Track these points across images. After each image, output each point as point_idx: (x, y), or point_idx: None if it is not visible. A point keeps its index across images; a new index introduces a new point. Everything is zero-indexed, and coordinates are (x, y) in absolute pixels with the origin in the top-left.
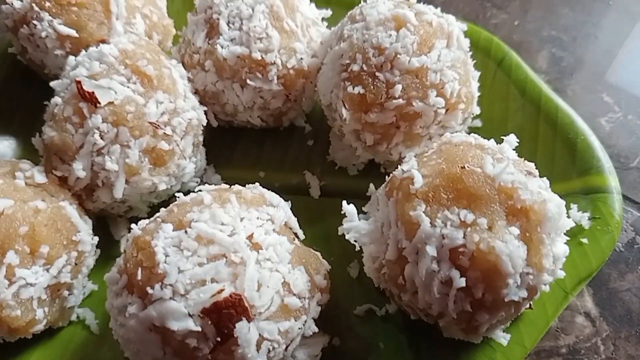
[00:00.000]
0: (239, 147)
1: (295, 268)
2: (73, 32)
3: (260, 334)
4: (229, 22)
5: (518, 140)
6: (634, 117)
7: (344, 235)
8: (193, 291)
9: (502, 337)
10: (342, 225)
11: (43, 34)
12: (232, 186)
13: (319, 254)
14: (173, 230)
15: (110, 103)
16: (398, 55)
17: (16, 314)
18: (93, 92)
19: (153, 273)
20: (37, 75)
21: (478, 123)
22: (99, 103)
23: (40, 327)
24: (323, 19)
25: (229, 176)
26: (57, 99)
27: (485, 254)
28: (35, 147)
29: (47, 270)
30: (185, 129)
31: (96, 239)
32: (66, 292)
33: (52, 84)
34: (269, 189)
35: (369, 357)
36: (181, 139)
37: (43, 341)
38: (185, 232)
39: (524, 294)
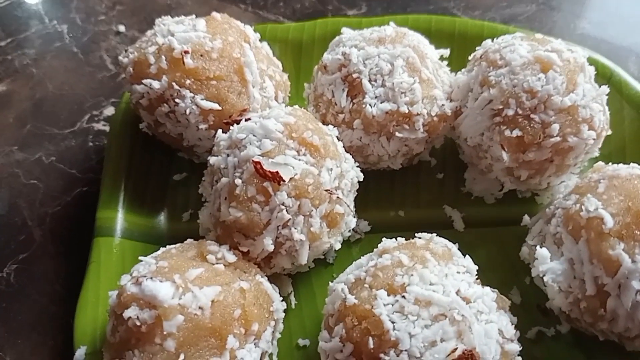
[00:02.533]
0: (370, 188)
1: (501, 314)
2: (216, 106)
3: None
4: (370, 79)
5: None
6: None
7: (496, 264)
8: (427, 353)
9: None
10: (536, 267)
11: (187, 111)
12: (414, 240)
13: (497, 290)
14: (388, 296)
15: (291, 179)
16: (551, 97)
17: None
18: (277, 172)
19: (384, 340)
20: (159, 145)
21: None
22: (283, 181)
23: None
24: (442, 59)
25: (371, 219)
26: (237, 181)
27: None
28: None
29: (257, 344)
30: (349, 188)
31: (283, 304)
32: (267, 359)
33: (212, 160)
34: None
35: None
36: (346, 197)
37: None
38: (403, 297)
39: None
